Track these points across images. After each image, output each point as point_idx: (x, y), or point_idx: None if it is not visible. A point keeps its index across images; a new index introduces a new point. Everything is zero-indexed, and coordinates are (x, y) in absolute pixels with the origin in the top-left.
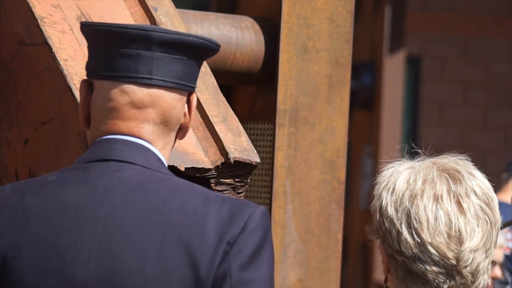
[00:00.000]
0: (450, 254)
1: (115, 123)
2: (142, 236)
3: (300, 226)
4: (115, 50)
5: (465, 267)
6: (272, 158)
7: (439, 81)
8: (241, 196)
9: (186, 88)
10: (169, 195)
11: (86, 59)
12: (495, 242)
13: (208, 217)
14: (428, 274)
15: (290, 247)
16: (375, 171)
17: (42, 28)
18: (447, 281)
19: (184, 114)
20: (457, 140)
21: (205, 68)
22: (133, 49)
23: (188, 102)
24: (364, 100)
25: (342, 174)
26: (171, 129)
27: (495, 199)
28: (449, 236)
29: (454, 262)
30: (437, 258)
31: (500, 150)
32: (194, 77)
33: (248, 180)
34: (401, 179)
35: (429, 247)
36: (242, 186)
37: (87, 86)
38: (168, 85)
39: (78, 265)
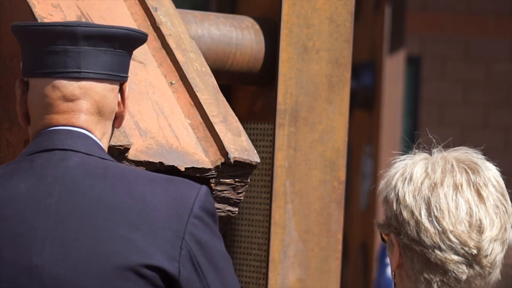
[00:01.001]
0: (471, 243)
1: (53, 117)
2: (94, 221)
3: (300, 226)
4: (44, 48)
5: (485, 256)
6: (272, 158)
7: (439, 81)
8: (241, 197)
9: (116, 78)
10: (116, 179)
11: None
12: (508, 235)
13: (156, 199)
14: (448, 263)
15: (290, 247)
16: (376, 171)
17: None
18: (466, 271)
19: (118, 103)
20: (457, 140)
21: (205, 68)
22: (60, 45)
23: (121, 92)
24: (364, 100)
25: (342, 174)
26: (106, 118)
27: (507, 192)
28: (470, 225)
29: (475, 251)
30: (458, 247)
31: (500, 150)
32: (124, 67)
33: (248, 180)
34: (418, 168)
35: (451, 236)
36: (242, 186)
37: (23, 85)
38: (97, 76)
39: (34, 252)
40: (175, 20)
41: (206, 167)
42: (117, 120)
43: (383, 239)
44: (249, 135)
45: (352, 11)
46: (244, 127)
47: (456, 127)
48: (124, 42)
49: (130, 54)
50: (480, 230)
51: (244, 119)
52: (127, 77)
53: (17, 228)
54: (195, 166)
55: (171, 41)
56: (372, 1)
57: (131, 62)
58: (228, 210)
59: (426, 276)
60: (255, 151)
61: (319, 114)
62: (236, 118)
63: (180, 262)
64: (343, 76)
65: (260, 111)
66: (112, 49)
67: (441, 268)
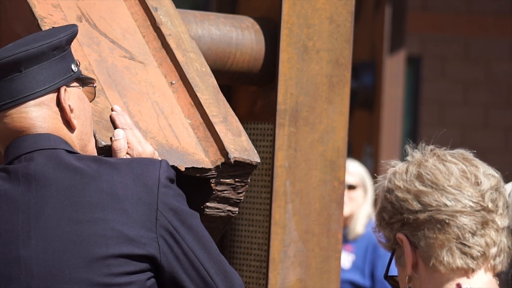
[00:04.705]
0: (472, 191)
1: (4, 142)
2: (71, 208)
3: (301, 226)
4: None
5: (492, 201)
6: (272, 158)
7: (439, 81)
8: (241, 197)
9: (35, 95)
10: (84, 168)
11: (86, 59)
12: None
13: (125, 178)
14: (458, 216)
15: (290, 247)
16: (376, 171)
17: (43, 28)
18: (479, 220)
19: (60, 110)
20: (457, 140)
21: (205, 68)
22: None
23: (58, 99)
24: (364, 100)
25: (342, 174)
26: (55, 124)
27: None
28: (467, 179)
29: (478, 197)
30: (462, 197)
31: (500, 150)
32: (44, 80)
33: (248, 180)
34: (399, 165)
35: (450, 189)
36: (242, 186)
37: None
38: (12, 104)
39: (20, 244)
40: (175, 20)
41: (206, 167)
42: (69, 124)
43: (391, 256)
44: (249, 135)
45: (353, 11)
46: (244, 127)
47: (456, 127)
48: (29, 61)
49: (49, 62)
50: (477, 182)
51: (244, 119)
52: (54, 84)
53: (2, 226)
54: (195, 166)
55: (171, 41)
56: (372, 1)
57: (131, 62)
58: (228, 210)
59: (442, 237)
60: (255, 151)
61: (319, 114)
62: (236, 118)
63: (157, 232)
64: (343, 76)
65: (260, 111)
66: (19, 73)
67: (454, 225)
